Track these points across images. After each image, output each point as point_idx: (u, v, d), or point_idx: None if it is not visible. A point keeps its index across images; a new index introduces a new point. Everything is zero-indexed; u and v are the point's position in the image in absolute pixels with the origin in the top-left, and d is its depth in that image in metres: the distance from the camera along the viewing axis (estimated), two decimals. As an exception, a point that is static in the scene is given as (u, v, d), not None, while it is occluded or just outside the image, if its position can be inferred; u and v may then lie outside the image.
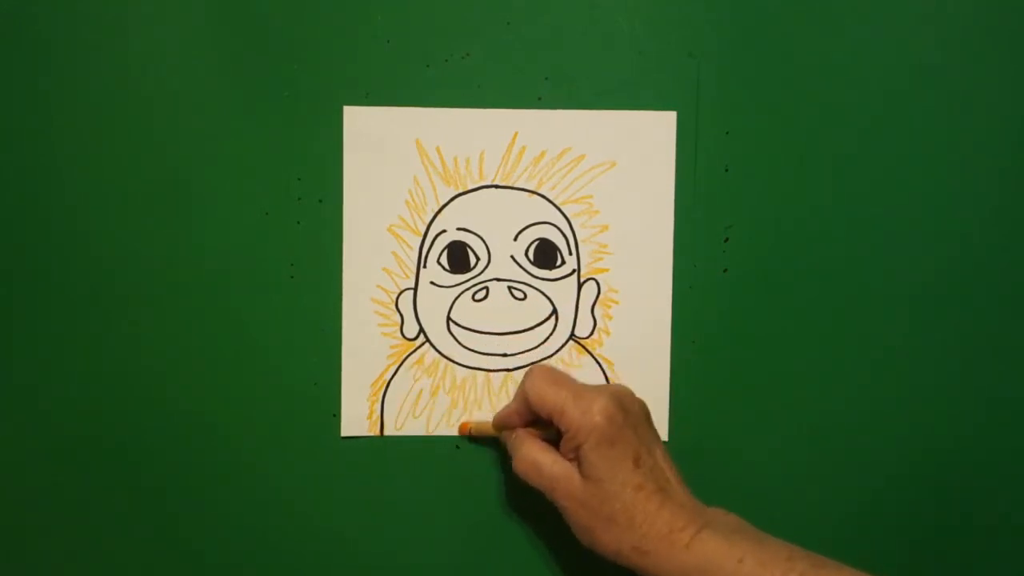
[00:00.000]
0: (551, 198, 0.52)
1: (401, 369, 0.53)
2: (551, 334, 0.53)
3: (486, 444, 0.53)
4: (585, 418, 0.44)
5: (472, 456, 0.53)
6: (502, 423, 0.50)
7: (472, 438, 0.53)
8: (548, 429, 0.48)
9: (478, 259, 0.53)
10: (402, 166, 0.52)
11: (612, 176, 0.52)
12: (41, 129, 0.51)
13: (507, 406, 0.50)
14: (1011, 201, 0.52)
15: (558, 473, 0.46)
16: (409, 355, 0.53)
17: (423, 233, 0.52)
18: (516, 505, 0.53)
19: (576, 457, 0.45)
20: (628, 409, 0.46)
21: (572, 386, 0.46)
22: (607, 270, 0.53)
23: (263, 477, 0.53)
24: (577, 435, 0.45)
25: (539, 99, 0.51)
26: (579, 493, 0.45)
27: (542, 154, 0.52)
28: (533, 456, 0.47)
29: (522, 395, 0.48)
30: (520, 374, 0.53)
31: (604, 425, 0.44)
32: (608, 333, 0.53)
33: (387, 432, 0.53)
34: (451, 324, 0.53)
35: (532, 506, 0.53)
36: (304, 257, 0.52)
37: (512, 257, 0.53)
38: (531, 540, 0.54)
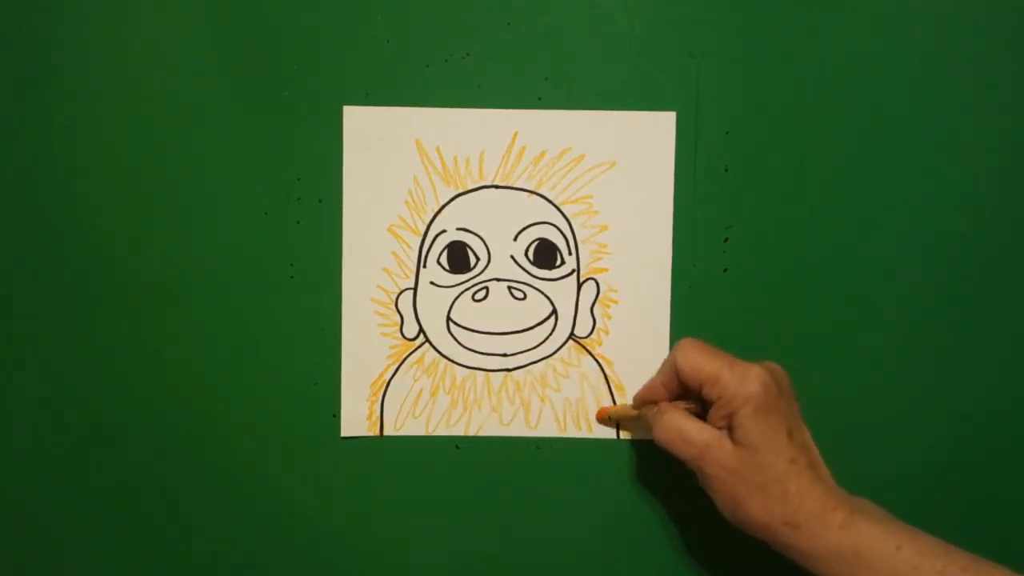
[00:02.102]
0: (551, 198, 0.52)
1: (401, 369, 0.53)
2: (551, 334, 0.53)
3: (485, 445, 0.53)
4: (743, 385, 0.44)
5: (472, 456, 0.53)
6: (644, 398, 0.50)
7: (609, 422, 0.53)
8: (692, 403, 0.47)
9: (478, 259, 0.53)
10: (402, 166, 0.52)
11: (612, 176, 0.52)
12: (41, 130, 0.51)
13: (649, 381, 0.49)
14: (1011, 201, 0.52)
15: (707, 439, 0.44)
16: (409, 355, 0.53)
17: (423, 233, 0.52)
18: (516, 505, 0.53)
19: (729, 425, 0.44)
20: (781, 383, 0.45)
21: (726, 356, 0.46)
22: (607, 270, 0.53)
23: (263, 477, 0.53)
24: (732, 401, 0.44)
25: (539, 99, 0.51)
26: (730, 460, 0.44)
27: (542, 154, 0.52)
28: (678, 423, 0.46)
29: (670, 366, 0.47)
30: (520, 374, 0.53)
31: (761, 393, 0.43)
32: (608, 333, 0.53)
33: (387, 432, 0.53)
34: (451, 324, 0.53)
35: (532, 506, 0.54)
36: (304, 257, 0.52)
37: (512, 257, 0.53)
38: (531, 540, 0.54)
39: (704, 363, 0.45)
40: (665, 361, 0.49)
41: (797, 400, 0.47)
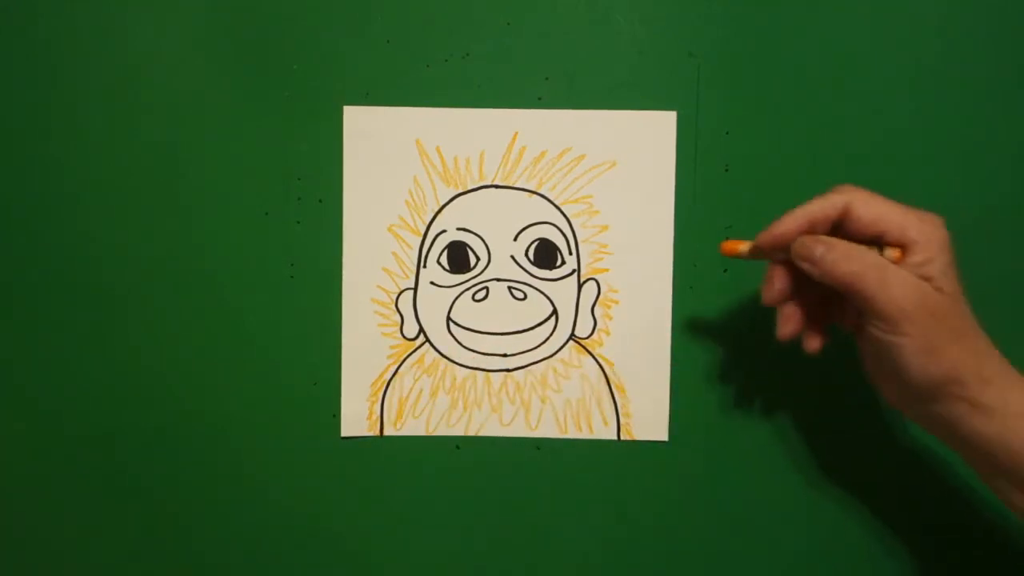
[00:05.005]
0: (551, 198, 0.52)
1: (401, 369, 0.53)
2: (551, 334, 0.53)
3: (485, 445, 0.53)
4: (937, 232, 0.42)
5: (472, 456, 0.53)
6: (789, 233, 0.44)
7: (745, 254, 0.46)
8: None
9: (478, 259, 0.53)
10: (402, 166, 0.52)
11: (612, 176, 0.52)
12: (41, 129, 0.51)
13: (795, 213, 0.44)
14: (1012, 201, 0.52)
15: (914, 282, 0.41)
16: (409, 355, 0.53)
17: (423, 233, 0.52)
18: (516, 505, 0.53)
19: (922, 273, 0.41)
20: None
21: (895, 202, 0.43)
22: (607, 270, 0.53)
23: (263, 477, 0.53)
24: (929, 247, 0.41)
25: (539, 99, 0.51)
26: (936, 306, 0.41)
27: (542, 154, 0.52)
28: (873, 258, 0.42)
29: (836, 204, 0.43)
30: (520, 375, 0.53)
31: (949, 239, 0.42)
32: (608, 333, 0.53)
33: (387, 432, 0.53)
34: (451, 324, 0.53)
35: (532, 506, 0.53)
36: (304, 257, 0.52)
37: (512, 257, 0.53)
38: (531, 540, 0.54)
39: (887, 209, 0.42)
40: (826, 198, 0.43)
41: None
